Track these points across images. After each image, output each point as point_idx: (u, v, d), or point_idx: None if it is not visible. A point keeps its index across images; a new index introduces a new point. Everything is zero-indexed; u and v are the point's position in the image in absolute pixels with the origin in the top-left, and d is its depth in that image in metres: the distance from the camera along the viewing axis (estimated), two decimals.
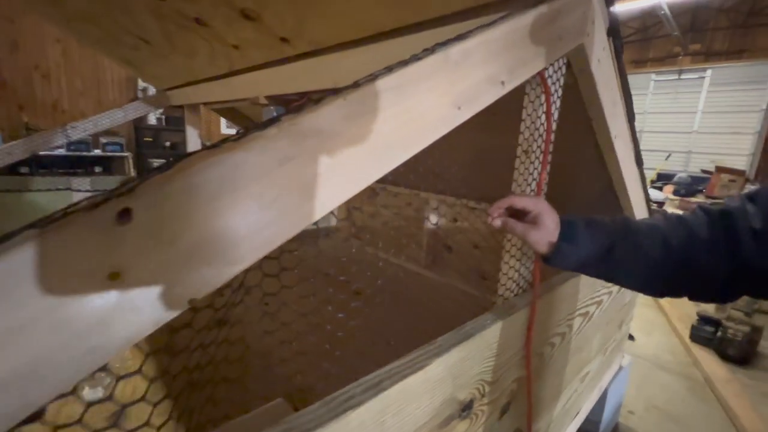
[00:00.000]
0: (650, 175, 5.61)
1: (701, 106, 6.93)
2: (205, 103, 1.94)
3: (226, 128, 6.01)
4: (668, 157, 6.24)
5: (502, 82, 0.48)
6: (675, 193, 4.44)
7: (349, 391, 0.42)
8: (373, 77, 0.34)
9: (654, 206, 4.32)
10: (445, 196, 2.13)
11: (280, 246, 0.31)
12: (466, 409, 0.60)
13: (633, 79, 7.61)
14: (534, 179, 0.67)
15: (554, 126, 0.67)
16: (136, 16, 1.17)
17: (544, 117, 0.63)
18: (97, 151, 4.44)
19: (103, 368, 0.24)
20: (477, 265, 1.89)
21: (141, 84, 5.20)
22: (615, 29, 0.71)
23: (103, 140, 4.44)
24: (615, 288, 1.22)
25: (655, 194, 4.35)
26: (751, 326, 2.35)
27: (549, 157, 0.69)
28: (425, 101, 0.39)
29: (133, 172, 5.15)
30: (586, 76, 0.70)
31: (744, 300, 3.01)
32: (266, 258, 0.34)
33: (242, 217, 0.27)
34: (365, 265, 2.46)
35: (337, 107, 0.32)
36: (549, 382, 0.90)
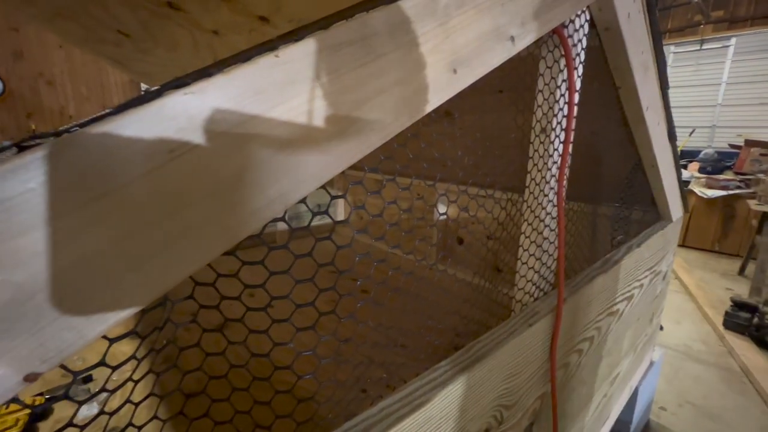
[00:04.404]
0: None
1: (725, 77, 6.56)
2: None
3: None
4: (692, 133, 5.94)
5: (512, 38, 0.37)
6: (701, 170, 4.20)
7: None
8: (324, 24, 0.24)
9: None
10: (454, 185, 2.01)
11: (284, 241, 0.22)
12: None
13: None
14: (555, 162, 0.56)
15: (577, 97, 0.56)
16: (109, 8, 1.09)
17: (564, 86, 0.52)
18: None
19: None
20: (491, 257, 1.78)
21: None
22: None
23: None
24: (646, 279, 1.10)
25: None
26: None
27: (572, 136, 0.58)
28: (407, 60, 0.29)
29: None
30: (612, 36, 0.58)
31: None
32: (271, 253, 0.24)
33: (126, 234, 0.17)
34: (373, 260, 2.37)
35: (268, 68, 0.22)
36: (576, 392, 0.80)
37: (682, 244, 4.09)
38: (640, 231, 1.11)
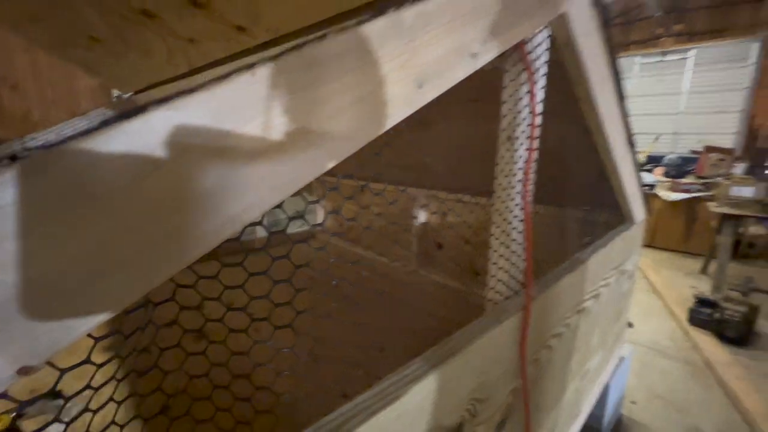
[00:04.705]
0: (640, 158, 5.59)
1: (686, 87, 6.94)
2: None
3: None
4: (656, 139, 6.23)
5: (473, 55, 0.40)
6: (665, 175, 4.42)
7: (315, 429, 0.34)
8: (298, 45, 0.26)
9: (645, 189, 4.26)
10: (433, 190, 2.05)
11: (262, 248, 0.23)
12: None
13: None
14: (520, 168, 0.60)
15: (540, 107, 0.60)
16: (81, 13, 1.08)
17: (527, 98, 0.56)
18: None
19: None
20: (469, 261, 1.82)
21: (115, 91, 5.05)
22: None
23: None
24: (612, 278, 1.16)
25: (645, 177, 4.32)
26: (749, 306, 2.32)
27: (536, 143, 0.61)
28: (374, 77, 0.31)
29: None
30: (571, 51, 0.63)
31: (740, 279, 2.99)
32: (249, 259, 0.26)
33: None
34: (353, 266, 2.38)
35: (245, 85, 0.24)
36: (548, 387, 0.83)
37: (651, 245, 4.28)
38: (606, 233, 1.17)
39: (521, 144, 0.59)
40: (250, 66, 0.24)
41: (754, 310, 2.33)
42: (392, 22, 0.31)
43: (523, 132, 0.58)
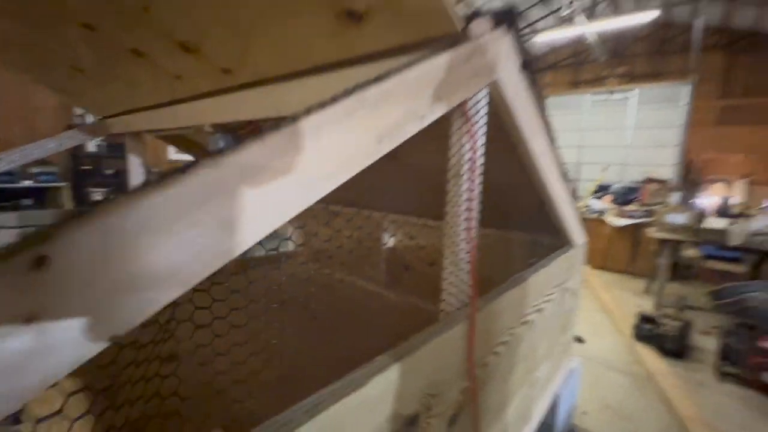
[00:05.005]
0: (591, 186, 6.07)
1: (632, 123, 7.67)
2: (148, 131, 1.89)
3: (175, 153, 5.81)
4: (605, 169, 6.77)
5: (422, 117, 0.53)
6: (613, 202, 4.82)
7: (287, 415, 0.43)
8: (293, 119, 0.37)
9: (595, 216, 4.59)
10: (402, 215, 2.19)
11: (233, 270, 0.33)
12: (411, 424, 0.62)
13: (571, 99, 8.30)
14: (465, 199, 0.73)
15: (480, 151, 0.74)
16: (69, 44, 1.14)
17: (468, 145, 0.70)
18: (28, 182, 4.09)
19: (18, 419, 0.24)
20: (433, 282, 1.93)
21: (77, 110, 4.94)
22: (527, 64, 0.80)
23: (34, 170, 4.11)
24: (555, 295, 1.31)
25: (595, 204, 4.69)
26: (683, 321, 2.57)
27: (479, 179, 0.75)
28: (346, 137, 0.43)
29: (70, 204, 4.82)
30: (504, 106, 0.78)
31: (675, 297, 3.29)
32: (216, 284, 0.35)
33: (162, 257, 0.29)
34: (323, 288, 2.44)
35: (258, 148, 0.35)
36: (497, 390, 0.95)
37: (603, 268, 4.61)
38: (549, 254, 1.33)
39: (465, 179, 0.72)
40: (262, 136, 0.35)
41: (687, 326, 2.59)
42: (359, 99, 0.43)
43: (467, 170, 0.72)
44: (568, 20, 4.91)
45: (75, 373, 0.32)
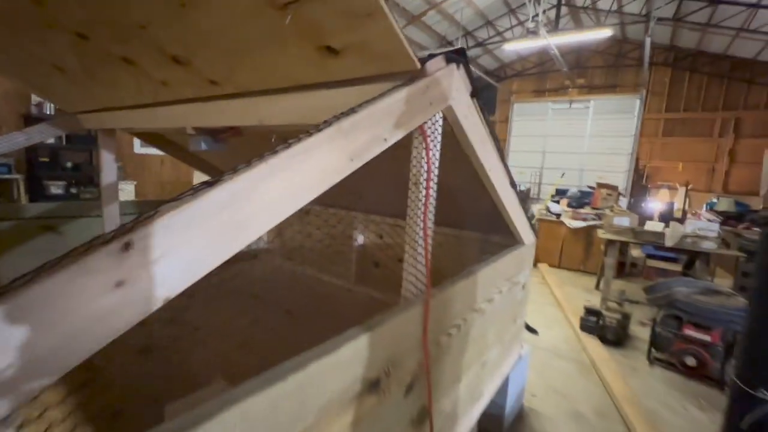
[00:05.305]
0: (550, 190, 6.47)
1: (588, 131, 8.21)
2: (125, 129, 1.92)
3: (140, 147, 5.67)
4: (563, 175, 7.21)
5: (385, 139, 0.67)
6: (569, 205, 5.19)
7: (276, 369, 0.56)
8: (288, 145, 0.51)
9: (554, 218, 4.88)
10: (372, 215, 2.32)
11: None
12: (374, 386, 0.76)
13: (534, 107, 8.75)
14: (422, 203, 0.88)
15: (436, 164, 0.89)
16: (54, 49, 1.19)
17: (424, 160, 0.85)
18: None
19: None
20: (401, 278, 2.09)
21: (35, 98, 4.74)
22: (476, 92, 0.96)
23: None
24: (505, 287, 1.50)
25: (554, 207, 5.03)
26: (622, 313, 2.87)
27: (434, 187, 0.90)
28: (327, 156, 0.57)
29: (24, 197, 4.62)
30: (457, 127, 0.94)
31: (617, 290, 3.63)
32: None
33: (192, 250, 0.41)
34: (296, 284, 2.54)
35: (261, 169, 0.48)
36: (449, 366, 1.11)
37: (558, 266, 4.95)
38: (501, 251, 1.51)
39: (423, 187, 0.87)
40: (263, 158, 0.48)
41: (626, 317, 2.90)
42: (337, 128, 0.57)
43: (424, 179, 0.87)
44: (533, 33, 5.23)
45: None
